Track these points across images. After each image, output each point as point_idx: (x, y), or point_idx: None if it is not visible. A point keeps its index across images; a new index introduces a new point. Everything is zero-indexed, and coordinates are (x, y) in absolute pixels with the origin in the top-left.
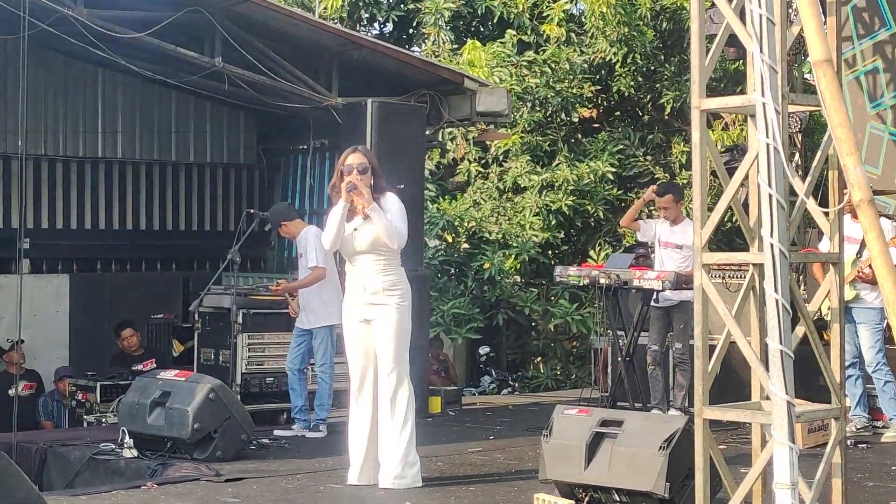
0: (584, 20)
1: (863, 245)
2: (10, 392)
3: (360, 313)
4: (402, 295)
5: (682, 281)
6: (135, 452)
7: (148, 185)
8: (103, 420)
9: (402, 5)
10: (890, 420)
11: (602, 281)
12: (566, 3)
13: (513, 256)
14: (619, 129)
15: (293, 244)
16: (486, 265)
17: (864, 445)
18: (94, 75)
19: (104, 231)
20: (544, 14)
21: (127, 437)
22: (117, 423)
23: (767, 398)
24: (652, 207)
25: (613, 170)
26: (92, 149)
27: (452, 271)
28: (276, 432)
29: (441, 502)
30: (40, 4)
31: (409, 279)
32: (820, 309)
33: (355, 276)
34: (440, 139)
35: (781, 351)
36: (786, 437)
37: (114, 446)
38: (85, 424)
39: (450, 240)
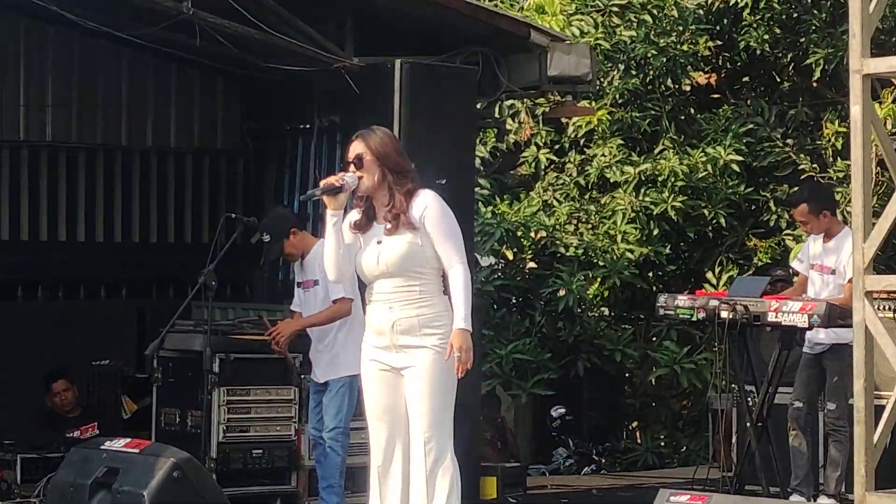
0: None
1: None
2: None
3: (385, 360)
4: (444, 334)
5: (838, 315)
6: None
7: (88, 180)
8: None
9: None
10: None
11: (724, 315)
12: None
13: (599, 280)
14: (749, 102)
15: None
16: (562, 292)
17: None
18: (15, 27)
19: (28, 244)
20: None
21: None
22: None
23: None
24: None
25: (740, 158)
26: (10, 130)
27: (514, 301)
28: None
29: None
30: None
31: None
32: None
33: (379, 309)
34: (497, 115)
35: None
36: None
37: None
38: None
39: (510, 256)
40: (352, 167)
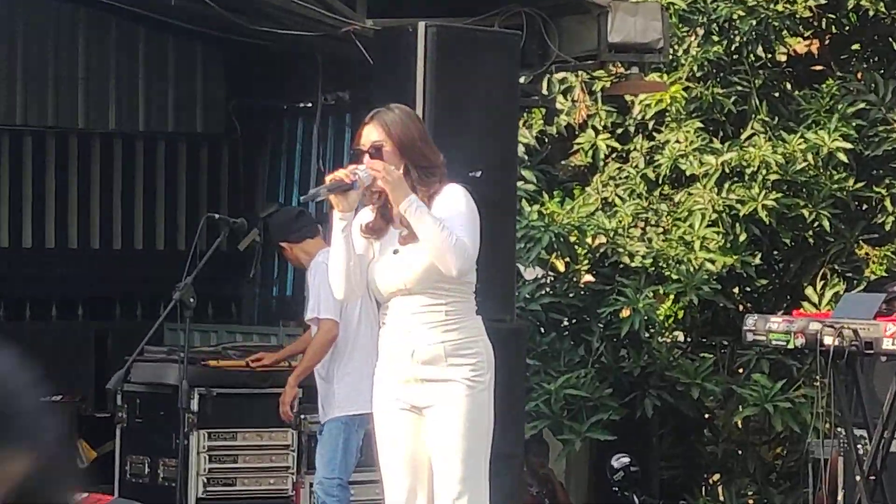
0: None
1: None
2: None
3: (404, 396)
4: (477, 365)
5: None
6: None
7: (37, 172)
8: None
9: None
10: None
11: (828, 341)
12: None
13: (672, 297)
14: (859, 76)
15: (284, 273)
16: (625, 312)
17: None
18: None
19: None
20: None
21: None
22: None
23: None
24: None
25: (849, 146)
26: None
27: (566, 323)
28: None
29: None
30: None
31: (490, 336)
32: None
33: (397, 334)
34: (545, 92)
35: None
36: None
37: None
38: None
39: (561, 268)
40: (366, 158)
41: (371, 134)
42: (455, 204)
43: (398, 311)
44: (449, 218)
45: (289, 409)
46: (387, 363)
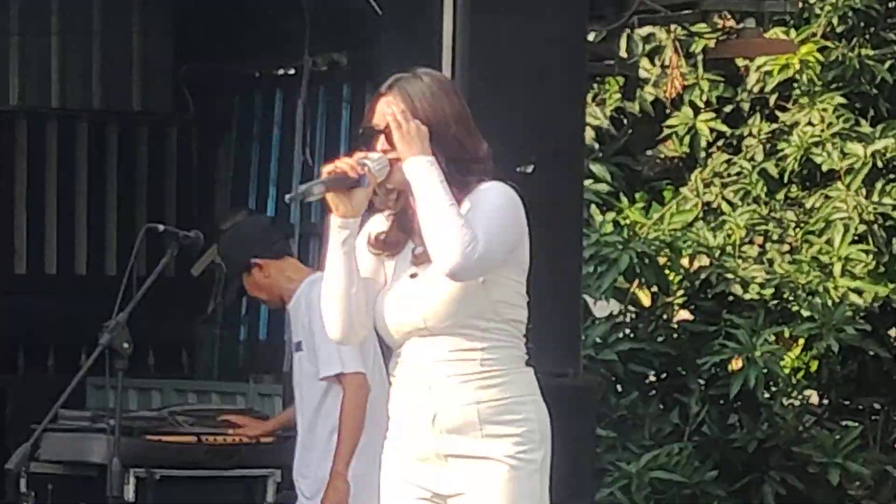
0: None
1: None
2: None
3: (420, 481)
4: (525, 436)
5: None
6: None
7: None
8: None
9: None
10: None
11: None
12: None
13: (802, 342)
14: None
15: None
16: (737, 363)
17: None
18: None
19: None
20: None
21: None
22: None
23: None
24: None
25: None
26: None
27: (653, 378)
28: None
29: None
30: None
31: (546, 396)
32: None
33: (413, 390)
34: (624, 54)
35: None
36: None
37: None
38: None
39: (647, 301)
40: (380, 142)
41: (386, 108)
42: (485, 197)
43: (415, 360)
44: (469, 209)
45: None
46: (398, 433)
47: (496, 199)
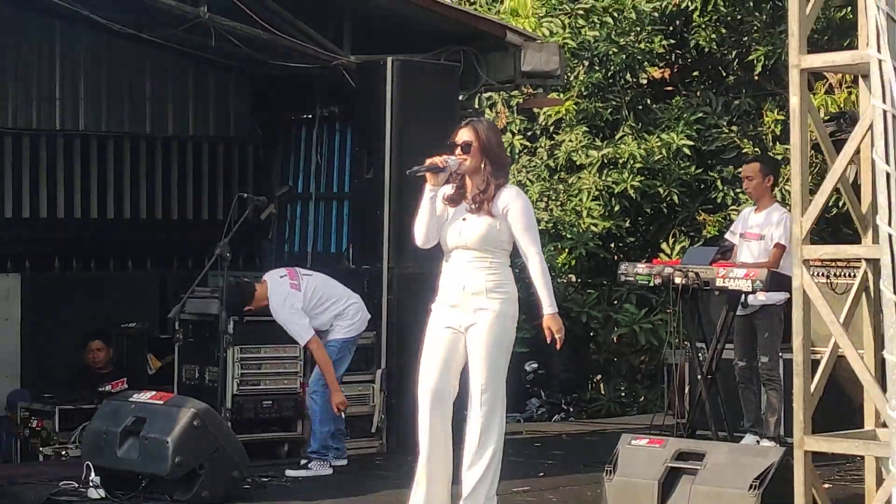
0: None
1: None
2: None
3: (451, 320)
4: (506, 300)
5: (777, 281)
6: (102, 493)
7: (117, 165)
8: (63, 453)
9: None
10: None
11: (677, 280)
12: None
13: (566, 251)
14: (698, 93)
15: (294, 235)
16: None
17: None
18: (50, 30)
19: (63, 221)
20: None
21: (92, 473)
22: (80, 457)
23: (884, 425)
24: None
25: (691, 143)
26: (47, 120)
27: None
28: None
29: None
30: None
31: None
32: None
33: (453, 275)
34: (476, 106)
35: None
36: None
37: (77, 485)
38: (41, 458)
39: None
40: (458, 150)
41: (465, 135)
42: (520, 211)
43: (458, 259)
44: (518, 228)
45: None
46: (443, 295)
47: (525, 211)
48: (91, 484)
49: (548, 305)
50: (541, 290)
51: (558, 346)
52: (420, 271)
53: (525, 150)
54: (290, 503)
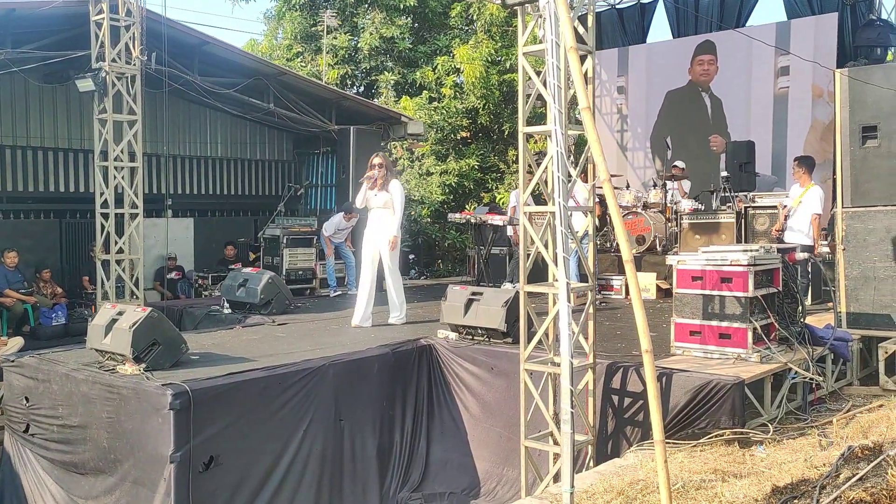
0: (463, 86)
1: None
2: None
3: (372, 239)
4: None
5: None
6: (230, 310)
7: (235, 172)
8: (213, 294)
9: (368, 77)
10: None
11: (472, 221)
12: (454, 77)
13: (426, 208)
14: (481, 143)
15: (310, 200)
16: (413, 213)
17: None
18: (204, 113)
19: (211, 195)
20: (443, 82)
21: (226, 303)
22: (221, 295)
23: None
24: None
25: (478, 163)
26: (203, 151)
27: None
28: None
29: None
30: (174, 74)
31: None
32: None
33: (371, 222)
34: (389, 147)
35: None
36: (565, 299)
37: (219, 307)
38: (203, 296)
39: None
40: (375, 167)
41: (377, 160)
42: (398, 191)
43: (372, 213)
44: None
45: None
46: (367, 230)
47: (399, 190)
48: (225, 307)
49: (395, 230)
50: (396, 223)
51: (391, 249)
52: (359, 218)
53: (409, 166)
54: (313, 313)
